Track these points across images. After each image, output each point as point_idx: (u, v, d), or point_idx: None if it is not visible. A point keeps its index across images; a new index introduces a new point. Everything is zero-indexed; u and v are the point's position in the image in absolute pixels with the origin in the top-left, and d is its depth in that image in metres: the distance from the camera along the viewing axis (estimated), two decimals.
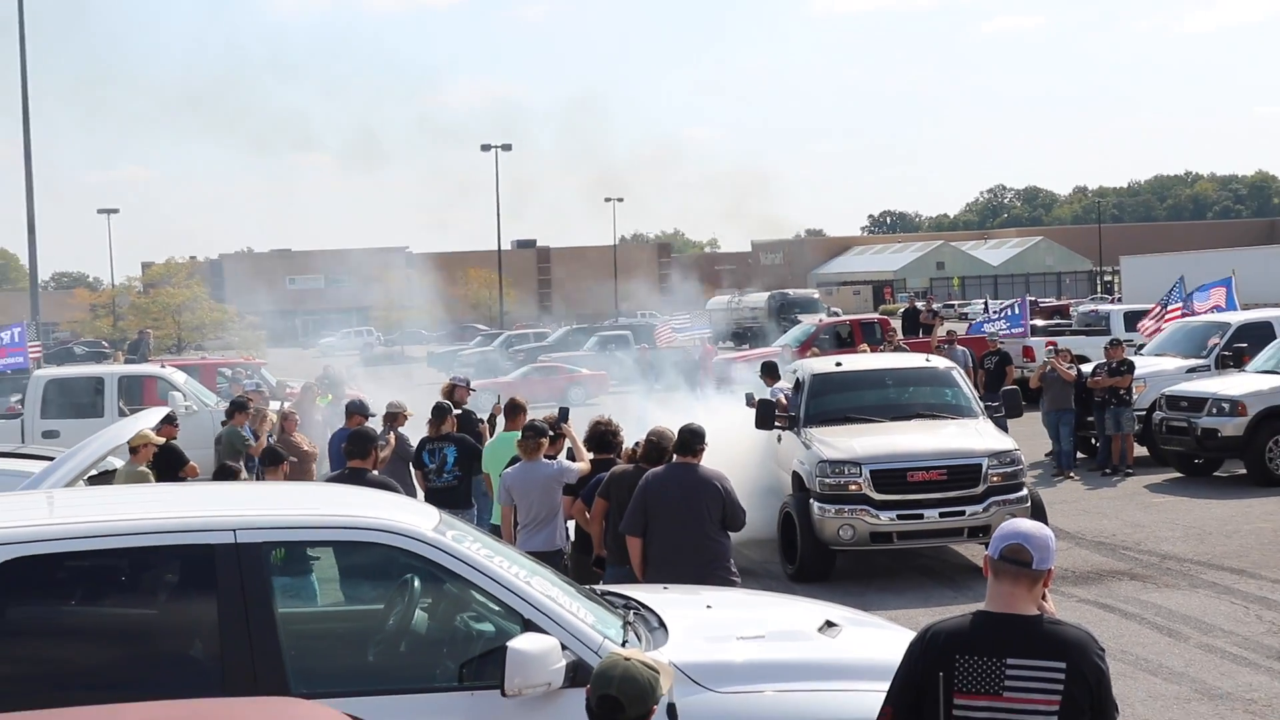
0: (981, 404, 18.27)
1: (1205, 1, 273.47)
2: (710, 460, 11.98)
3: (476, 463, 15.15)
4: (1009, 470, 15.57)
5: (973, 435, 16.39)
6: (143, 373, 27.13)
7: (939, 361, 19.92)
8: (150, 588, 6.59)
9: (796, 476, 16.28)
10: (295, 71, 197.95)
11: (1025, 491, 15.77)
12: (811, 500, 15.46)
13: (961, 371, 19.11)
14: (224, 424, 19.00)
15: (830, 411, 16.95)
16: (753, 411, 19.81)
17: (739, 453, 17.30)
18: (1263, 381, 22.41)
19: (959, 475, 15.33)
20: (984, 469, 15.37)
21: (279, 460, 13.76)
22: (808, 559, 15.46)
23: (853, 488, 15.15)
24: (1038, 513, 15.51)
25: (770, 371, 20.13)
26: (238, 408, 18.89)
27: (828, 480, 15.33)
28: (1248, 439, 21.48)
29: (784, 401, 17.71)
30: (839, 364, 19.13)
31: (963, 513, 15.04)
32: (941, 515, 15.16)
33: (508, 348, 54.02)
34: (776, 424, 17.20)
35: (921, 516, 15.21)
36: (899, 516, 15.15)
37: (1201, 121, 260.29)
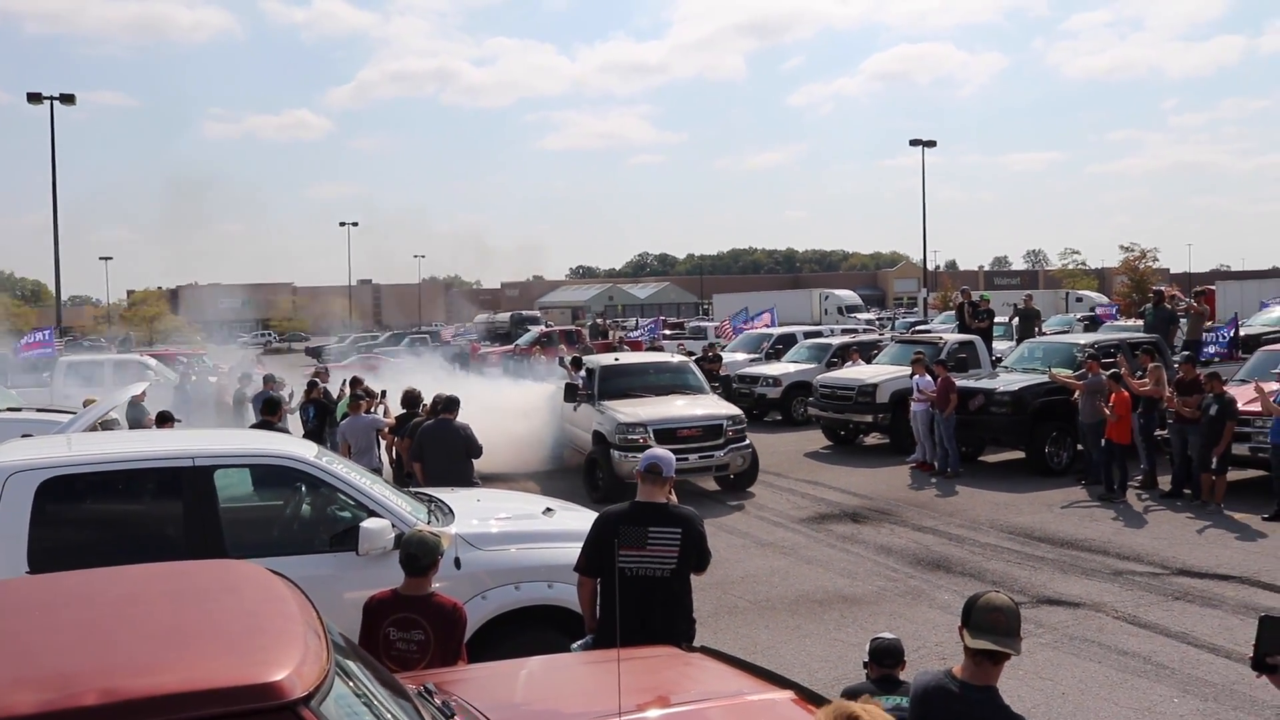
0: (709, 384, 17.26)
1: (760, 149, 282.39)
2: (481, 411, 12.08)
3: (330, 416, 15.08)
4: (739, 428, 14.78)
5: (716, 405, 15.48)
6: (128, 359, 25.85)
7: (679, 357, 18.78)
8: (140, 493, 6.34)
9: (598, 434, 14.94)
10: (221, 172, 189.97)
11: (748, 441, 14.95)
12: (611, 449, 14.32)
13: (694, 364, 17.82)
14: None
15: (615, 390, 15.67)
16: (508, 385, 19.81)
17: (503, 404, 17.25)
18: (792, 367, 23.33)
19: (709, 431, 14.47)
20: (724, 427, 14.60)
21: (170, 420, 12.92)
22: (609, 488, 14.12)
23: (640, 440, 13.90)
24: (754, 456, 15.10)
25: (576, 364, 18.74)
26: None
27: (624, 436, 14.23)
28: (783, 400, 22.34)
29: (580, 384, 16.36)
30: (617, 359, 17.61)
31: (712, 456, 14.34)
32: (699, 458, 14.24)
33: (354, 344, 52.48)
34: (578, 397, 15.98)
35: (687, 459, 13.92)
36: None
37: (757, 216, 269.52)
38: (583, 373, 16.86)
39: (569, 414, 16.63)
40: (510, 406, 17.66)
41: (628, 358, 18.52)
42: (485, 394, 18.30)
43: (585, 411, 15.84)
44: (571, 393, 16.20)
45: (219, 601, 3.44)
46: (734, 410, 15.34)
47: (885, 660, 4.95)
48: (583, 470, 15.39)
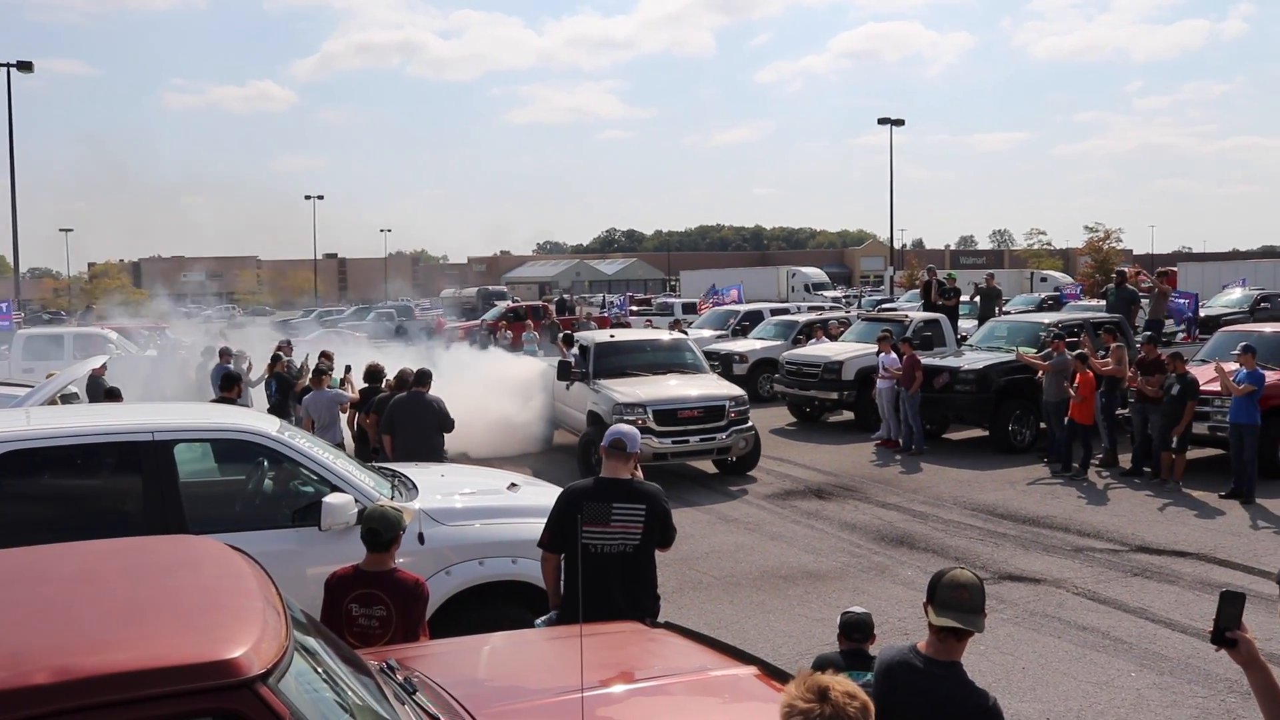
0: (707, 363, 16.57)
1: (728, 126, 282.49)
2: (464, 389, 11.92)
3: (292, 390, 14.95)
4: (741, 409, 14.13)
5: (717, 385, 14.84)
6: (88, 332, 25.38)
7: (677, 335, 17.91)
8: (98, 468, 6.25)
9: (593, 414, 14.27)
10: (189, 151, 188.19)
11: (750, 423, 14.32)
12: None
13: (692, 341, 17.16)
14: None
15: (611, 368, 14.90)
16: (488, 362, 19.57)
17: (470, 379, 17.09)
18: (759, 344, 23.35)
19: (711, 413, 13.87)
20: (727, 408, 13.96)
21: (117, 396, 12.51)
22: None
23: (640, 422, 13.16)
24: (756, 439, 14.52)
25: (569, 341, 17.98)
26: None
27: (621, 417, 13.23)
28: (750, 377, 22.20)
29: (573, 362, 15.46)
30: (612, 335, 16.75)
31: (714, 438, 13.77)
32: (700, 440, 13.76)
33: (319, 319, 51.98)
34: (571, 376, 15.10)
35: (687, 441, 13.73)
36: (672, 441, 13.64)
37: (725, 193, 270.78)
38: (576, 350, 16.21)
39: (560, 392, 16.05)
40: (496, 384, 17.29)
41: (622, 334, 17.76)
42: (468, 371, 18.08)
43: (579, 390, 15.16)
44: (565, 371, 15.36)
45: (176, 577, 3.39)
46: (736, 390, 14.73)
47: (854, 634, 4.97)
48: (577, 451, 14.71)
